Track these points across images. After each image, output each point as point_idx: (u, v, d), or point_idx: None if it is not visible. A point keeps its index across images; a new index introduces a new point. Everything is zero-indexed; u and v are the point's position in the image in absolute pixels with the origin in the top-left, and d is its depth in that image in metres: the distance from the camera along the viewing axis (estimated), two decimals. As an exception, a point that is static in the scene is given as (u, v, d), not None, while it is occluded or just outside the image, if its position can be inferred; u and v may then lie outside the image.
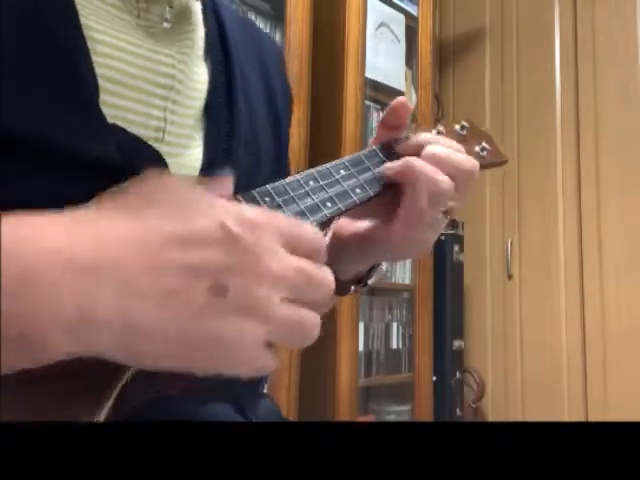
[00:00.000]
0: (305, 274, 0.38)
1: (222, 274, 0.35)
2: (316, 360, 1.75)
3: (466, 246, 2.36)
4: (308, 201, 0.50)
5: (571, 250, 2.22)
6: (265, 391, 0.69)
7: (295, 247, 0.38)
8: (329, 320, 1.77)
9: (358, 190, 0.54)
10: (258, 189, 0.48)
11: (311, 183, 0.51)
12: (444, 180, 0.54)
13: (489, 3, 2.59)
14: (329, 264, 0.56)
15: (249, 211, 0.37)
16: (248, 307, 0.35)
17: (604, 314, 2.11)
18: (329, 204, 0.51)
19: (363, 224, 0.59)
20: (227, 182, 0.42)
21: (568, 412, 2.14)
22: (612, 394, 2.06)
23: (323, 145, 1.83)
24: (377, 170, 0.56)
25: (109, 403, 0.38)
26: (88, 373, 0.37)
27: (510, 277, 2.37)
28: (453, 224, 2.32)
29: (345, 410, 1.77)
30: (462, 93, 2.65)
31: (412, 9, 2.18)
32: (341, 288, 0.60)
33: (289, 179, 0.50)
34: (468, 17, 2.67)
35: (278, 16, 1.76)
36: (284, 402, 1.55)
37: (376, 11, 2.04)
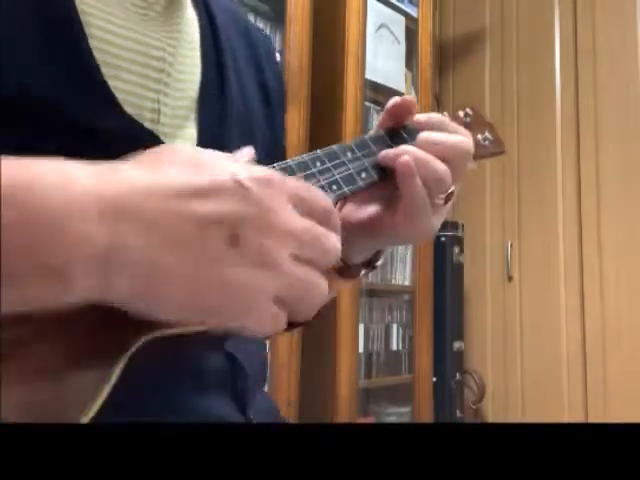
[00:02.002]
0: (312, 234, 0.39)
1: (235, 225, 0.36)
2: (316, 361, 1.75)
3: (466, 247, 2.36)
4: (314, 183, 0.50)
5: (571, 252, 2.22)
6: (265, 390, 0.69)
7: (304, 209, 0.39)
8: (329, 321, 1.77)
9: (364, 174, 0.54)
10: (267, 168, 0.48)
11: (318, 164, 0.51)
12: (439, 168, 0.54)
13: (489, 4, 2.59)
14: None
15: (261, 170, 0.39)
16: (259, 259, 0.37)
17: (604, 316, 2.11)
18: (335, 187, 0.51)
19: (370, 210, 0.59)
20: (248, 152, 0.44)
21: (568, 413, 2.14)
22: (612, 395, 2.06)
23: (323, 146, 1.83)
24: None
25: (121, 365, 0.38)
26: (104, 333, 0.38)
27: (510, 279, 2.37)
28: (453, 225, 2.32)
29: (345, 411, 1.77)
30: (462, 94, 2.65)
31: (412, 10, 2.18)
32: (350, 272, 0.61)
33: (297, 159, 0.50)
34: (468, 18, 2.67)
35: (278, 17, 1.76)
36: (284, 403, 1.55)
37: (376, 12, 2.04)
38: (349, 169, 0.53)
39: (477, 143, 0.64)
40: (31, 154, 0.42)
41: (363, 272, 0.63)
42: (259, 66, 0.67)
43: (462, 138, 0.57)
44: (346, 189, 0.52)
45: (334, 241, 0.40)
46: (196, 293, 0.36)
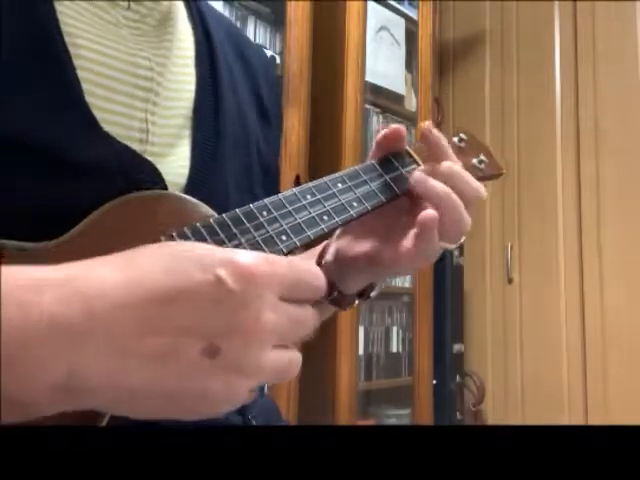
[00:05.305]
0: (294, 319, 0.37)
1: (215, 335, 0.33)
2: (316, 364, 1.75)
3: (466, 250, 2.36)
4: (305, 215, 0.50)
5: (571, 254, 2.22)
6: (265, 391, 0.69)
7: (292, 293, 0.37)
8: (329, 324, 1.77)
9: (355, 204, 0.53)
10: (256, 204, 0.48)
11: (308, 197, 0.51)
12: (468, 221, 0.54)
13: (489, 7, 2.59)
14: (333, 282, 0.55)
15: (248, 260, 0.35)
16: (239, 366, 0.34)
17: (604, 318, 2.11)
18: (326, 217, 0.51)
19: (368, 244, 0.58)
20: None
21: (568, 415, 2.14)
22: (612, 398, 2.06)
23: (323, 149, 1.83)
24: (375, 183, 0.56)
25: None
26: None
27: (510, 281, 2.37)
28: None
29: (345, 414, 1.77)
30: (462, 97, 2.65)
31: (412, 13, 2.18)
32: (345, 302, 0.60)
33: (286, 193, 0.50)
34: (468, 21, 2.67)
35: (278, 20, 1.76)
36: (284, 406, 1.55)
37: (376, 15, 2.04)
38: (340, 200, 0.53)
39: (473, 167, 0.64)
40: (14, 188, 0.42)
41: (357, 302, 0.62)
42: (255, 81, 0.67)
43: (482, 190, 0.57)
44: (337, 219, 0.52)
45: (312, 316, 0.38)
46: (169, 406, 0.34)
